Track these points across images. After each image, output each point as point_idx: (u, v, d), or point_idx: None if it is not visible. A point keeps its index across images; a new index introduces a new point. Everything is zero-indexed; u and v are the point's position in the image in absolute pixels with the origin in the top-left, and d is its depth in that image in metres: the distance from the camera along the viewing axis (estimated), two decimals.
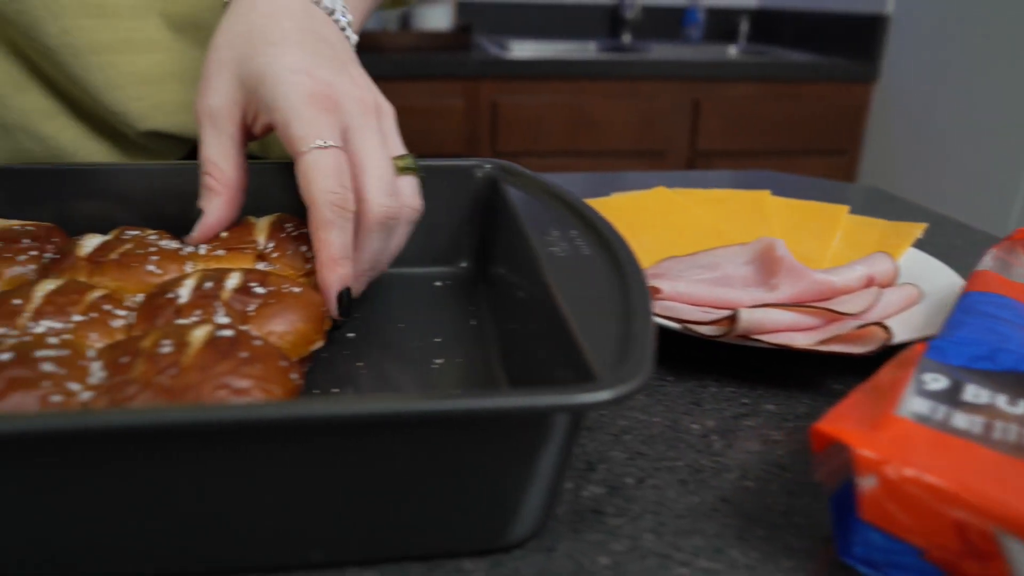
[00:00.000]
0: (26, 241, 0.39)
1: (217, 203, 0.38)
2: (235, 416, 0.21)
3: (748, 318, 0.35)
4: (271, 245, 0.39)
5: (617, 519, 0.28)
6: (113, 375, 0.27)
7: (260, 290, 0.33)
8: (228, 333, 0.29)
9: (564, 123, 1.78)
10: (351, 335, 0.40)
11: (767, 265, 0.42)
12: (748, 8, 2.26)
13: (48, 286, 0.33)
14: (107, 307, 0.33)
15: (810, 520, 0.28)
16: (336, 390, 0.35)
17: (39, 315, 0.31)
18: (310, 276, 0.38)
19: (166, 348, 0.27)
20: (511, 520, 0.25)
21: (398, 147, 0.38)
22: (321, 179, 0.33)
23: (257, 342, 0.29)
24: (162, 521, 0.23)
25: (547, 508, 0.26)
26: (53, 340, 0.28)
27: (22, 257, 0.38)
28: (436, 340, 0.40)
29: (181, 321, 0.32)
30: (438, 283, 0.47)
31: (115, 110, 0.49)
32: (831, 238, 0.51)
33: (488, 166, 0.48)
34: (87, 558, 0.24)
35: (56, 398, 0.25)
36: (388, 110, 0.39)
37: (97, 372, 0.27)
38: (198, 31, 0.51)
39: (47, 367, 0.26)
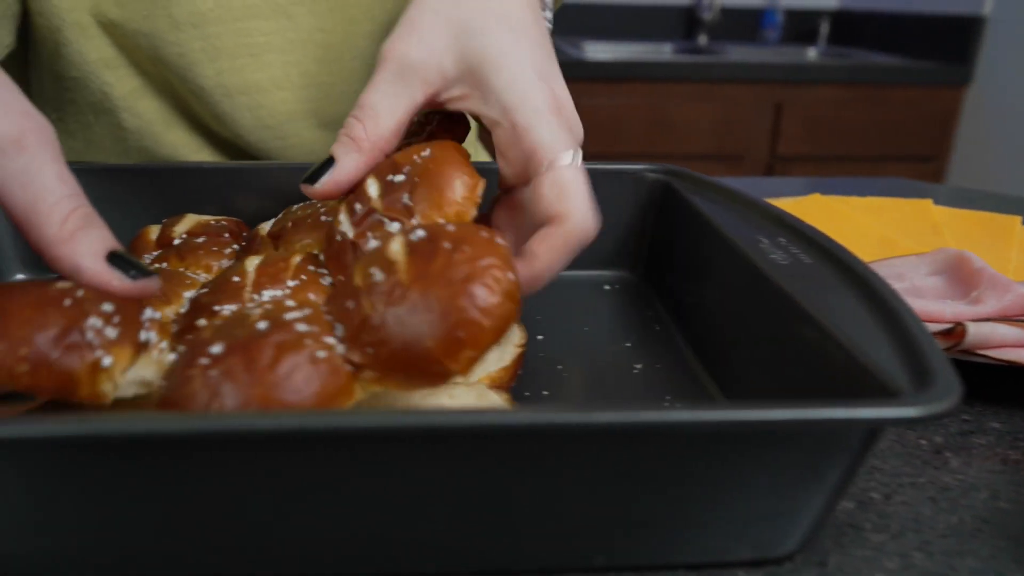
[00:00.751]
0: (226, 236, 0.40)
1: (355, 160, 0.32)
2: (542, 421, 0.21)
3: (976, 332, 0.34)
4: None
5: (878, 535, 0.27)
6: (350, 322, 0.26)
7: (400, 178, 0.31)
8: (421, 234, 0.27)
9: (642, 125, 1.76)
10: (540, 337, 0.40)
11: (963, 277, 0.41)
12: (828, 9, 2.21)
13: (254, 261, 0.33)
14: (312, 268, 0.32)
15: None
16: (546, 393, 0.35)
17: (257, 287, 0.31)
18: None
19: (377, 276, 0.26)
20: (788, 532, 0.25)
21: None
22: (581, 200, 0.31)
23: (450, 227, 0.27)
24: (460, 520, 0.23)
25: (821, 522, 0.25)
26: (291, 303, 0.28)
27: (227, 251, 0.39)
28: (626, 345, 0.40)
29: (372, 245, 0.30)
30: (607, 287, 0.47)
31: (258, 148, 0.50)
32: (1010, 249, 0.49)
33: (658, 169, 0.47)
34: (378, 553, 0.24)
35: (321, 354, 0.25)
36: None
37: (337, 325, 0.26)
38: (352, 59, 0.50)
39: (301, 327, 0.25)
